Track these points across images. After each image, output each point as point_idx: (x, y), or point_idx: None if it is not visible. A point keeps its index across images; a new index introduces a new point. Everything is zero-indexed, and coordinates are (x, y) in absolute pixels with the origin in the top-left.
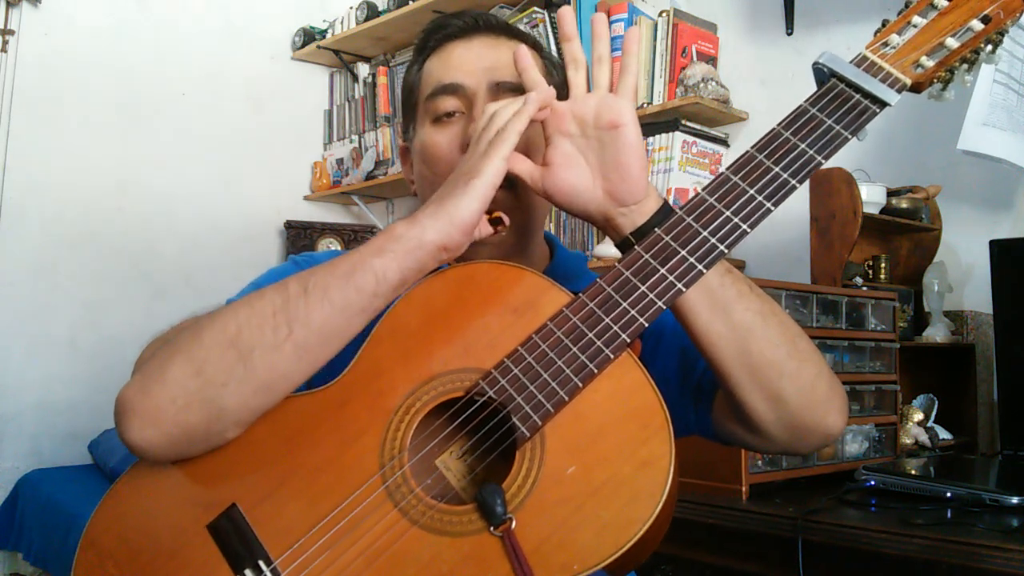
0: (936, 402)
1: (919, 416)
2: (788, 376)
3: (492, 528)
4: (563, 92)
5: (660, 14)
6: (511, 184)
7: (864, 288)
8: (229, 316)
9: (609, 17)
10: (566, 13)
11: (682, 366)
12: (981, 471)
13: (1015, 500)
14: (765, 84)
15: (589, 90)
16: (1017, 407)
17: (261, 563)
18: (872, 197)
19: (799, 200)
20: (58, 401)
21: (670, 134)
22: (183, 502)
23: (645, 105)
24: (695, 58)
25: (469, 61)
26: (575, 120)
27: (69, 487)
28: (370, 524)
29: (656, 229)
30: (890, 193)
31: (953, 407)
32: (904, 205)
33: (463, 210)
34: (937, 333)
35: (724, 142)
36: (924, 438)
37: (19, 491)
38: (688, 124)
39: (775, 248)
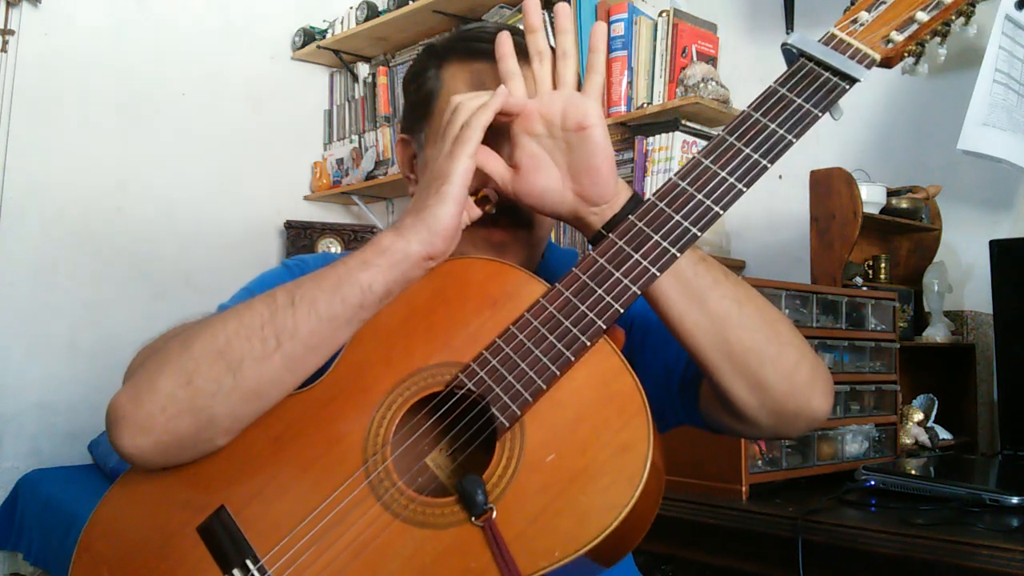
0: (936, 402)
1: (919, 416)
2: (769, 362)
3: (473, 518)
4: None
5: (660, 14)
6: (528, 225)
7: (864, 288)
8: (218, 327)
9: (609, 17)
10: (530, 5)
11: (667, 358)
12: (981, 471)
13: (1015, 500)
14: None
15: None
16: (1017, 407)
17: (248, 562)
18: (872, 197)
19: (799, 200)
20: (58, 401)
21: (670, 134)
22: (174, 506)
23: (645, 105)
24: (695, 58)
25: (495, 86)
26: (542, 120)
27: (69, 487)
28: (354, 519)
29: (630, 216)
30: (890, 193)
31: (953, 407)
32: (904, 205)
33: (441, 218)
34: (937, 333)
35: None
36: (924, 438)
37: (19, 491)
38: (688, 124)
39: (775, 248)
